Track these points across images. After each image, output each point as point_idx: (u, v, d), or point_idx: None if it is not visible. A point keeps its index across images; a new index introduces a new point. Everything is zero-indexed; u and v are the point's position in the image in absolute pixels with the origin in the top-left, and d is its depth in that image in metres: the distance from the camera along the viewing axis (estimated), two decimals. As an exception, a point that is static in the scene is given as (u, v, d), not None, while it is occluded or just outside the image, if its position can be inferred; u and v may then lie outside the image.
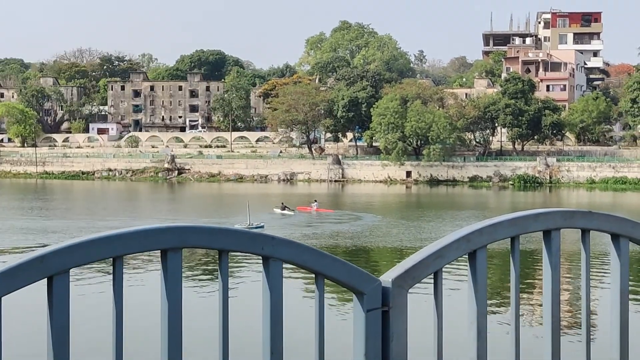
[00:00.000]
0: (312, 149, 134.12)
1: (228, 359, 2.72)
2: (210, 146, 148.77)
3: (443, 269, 3.07)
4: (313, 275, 2.90)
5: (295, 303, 27.77)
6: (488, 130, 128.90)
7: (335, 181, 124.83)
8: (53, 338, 2.42)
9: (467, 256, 3.16)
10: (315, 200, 76.56)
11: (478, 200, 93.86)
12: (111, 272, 2.59)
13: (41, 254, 2.35)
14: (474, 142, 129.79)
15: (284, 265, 2.83)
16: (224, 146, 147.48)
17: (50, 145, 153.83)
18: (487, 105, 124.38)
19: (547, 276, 3.40)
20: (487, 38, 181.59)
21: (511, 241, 3.29)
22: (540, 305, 26.44)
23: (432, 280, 3.09)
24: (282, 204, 75.67)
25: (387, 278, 2.96)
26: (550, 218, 3.37)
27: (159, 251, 2.60)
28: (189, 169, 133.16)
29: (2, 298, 2.32)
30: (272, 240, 2.79)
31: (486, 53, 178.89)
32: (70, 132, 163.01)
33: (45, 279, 2.38)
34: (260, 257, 2.80)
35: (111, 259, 2.50)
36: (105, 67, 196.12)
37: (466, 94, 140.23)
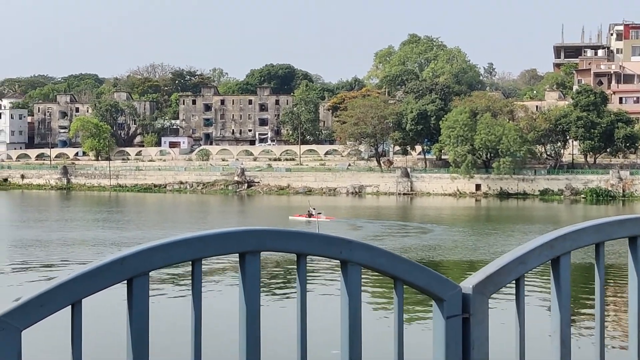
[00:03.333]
0: (381, 162, 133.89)
1: None
2: (279, 159, 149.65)
3: (525, 276, 2.99)
4: (391, 281, 2.86)
5: (373, 308, 27.67)
6: (559, 143, 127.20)
7: (404, 194, 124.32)
8: (133, 340, 2.41)
9: (550, 263, 3.07)
10: (314, 208, 79.39)
11: (549, 213, 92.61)
12: (189, 277, 2.58)
13: (122, 256, 2.35)
14: (545, 155, 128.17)
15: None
16: (293, 159, 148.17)
17: (123, 159, 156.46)
18: (559, 118, 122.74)
19: (633, 284, 3.28)
20: (558, 50, 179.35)
21: (596, 248, 3.19)
22: (626, 315, 25.92)
23: (513, 287, 3.02)
24: (313, 208, 78.79)
25: (467, 284, 2.89)
26: (636, 224, 3.27)
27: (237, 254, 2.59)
28: (258, 182, 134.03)
29: (83, 300, 2.31)
30: (350, 244, 2.75)
31: (557, 65, 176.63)
32: (143, 146, 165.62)
33: (125, 281, 2.39)
34: (338, 262, 2.76)
35: (190, 261, 2.50)
36: (177, 81, 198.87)
37: (537, 107, 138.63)
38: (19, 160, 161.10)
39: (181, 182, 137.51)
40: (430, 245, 56.86)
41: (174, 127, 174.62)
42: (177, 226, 70.58)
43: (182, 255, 2.45)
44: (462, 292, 2.88)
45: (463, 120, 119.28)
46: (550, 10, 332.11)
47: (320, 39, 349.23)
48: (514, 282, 2.99)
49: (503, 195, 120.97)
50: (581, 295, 31.86)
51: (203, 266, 2.54)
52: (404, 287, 2.86)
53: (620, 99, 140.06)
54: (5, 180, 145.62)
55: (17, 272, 44.40)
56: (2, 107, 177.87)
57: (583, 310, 29.29)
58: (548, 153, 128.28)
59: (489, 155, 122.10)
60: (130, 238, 60.59)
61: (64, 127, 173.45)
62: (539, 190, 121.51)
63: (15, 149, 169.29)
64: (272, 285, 37.51)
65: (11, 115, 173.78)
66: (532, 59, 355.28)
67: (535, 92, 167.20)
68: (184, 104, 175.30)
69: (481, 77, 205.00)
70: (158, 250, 2.41)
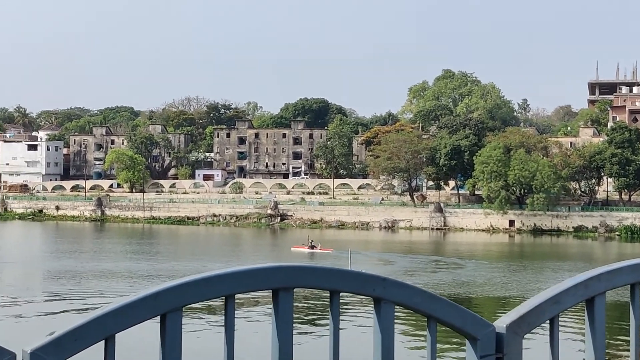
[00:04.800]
0: (414, 197, 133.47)
1: None
2: (312, 193, 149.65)
3: (559, 316, 2.97)
4: (424, 319, 2.85)
5: (405, 345, 27.43)
6: (594, 180, 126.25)
7: (437, 229, 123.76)
8: None
9: (584, 303, 3.05)
10: (312, 240, 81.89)
11: (583, 250, 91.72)
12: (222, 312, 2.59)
13: (155, 291, 2.35)
14: (579, 192, 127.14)
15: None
16: (326, 193, 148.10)
17: (157, 191, 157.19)
18: (593, 155, 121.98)
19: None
20: (592, 87, 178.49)
21: (631, 288, 3.15)
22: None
23: (547, 327, 2.99)
24: (311, 241, 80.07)
25: (501, 324, 2.87)
26: (672, 264, 3.23)
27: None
28: (291, 215, 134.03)
29: (117, 335, 2.31)
30: (384, 282, 2.74)
31: (592, 102, 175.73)
32: (177, 178, 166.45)
33: (159, 316, 2.39)
34: (372, 299, 2.75)
35: (223, 297, 2.50)
36: (211, 115, 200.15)
37: (571, 143, 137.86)
38: (54, 192, 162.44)
39: (214, 215, 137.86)
40: (463, 281, 56.46)
41: (208, 159, 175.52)
42: (209, 259, 70.69)
43: (215, 291, 2.45)
44: (496, 332, 2.86)
45: (497, 156, 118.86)
46: (585, 47, 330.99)
47: (354, 74, 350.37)
48: (548, 321, 2.96)
49: (537, 231, 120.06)
50: (616, 335, 31.43)
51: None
52: (437, 325, 2.84)
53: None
54: (40, 211, 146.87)
55: (51, 305, 44.64)
56: (39, 139, 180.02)
57: (618, 352, 28.89)
58: (582, 190, 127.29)
59: (522, 191, 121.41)
60: (163, 270, 60.79)
61: (99, 159, 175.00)
62: (573, 227, 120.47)
63: (50, 180, 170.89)
64: (304, 320, 37.39)
65: (47, 147, 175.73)
66: (566, 96, 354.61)
67: (569, 128, 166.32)
68: (218, 137, 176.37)
69: (515, 113, 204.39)
70: (192, 286, 2.41)
